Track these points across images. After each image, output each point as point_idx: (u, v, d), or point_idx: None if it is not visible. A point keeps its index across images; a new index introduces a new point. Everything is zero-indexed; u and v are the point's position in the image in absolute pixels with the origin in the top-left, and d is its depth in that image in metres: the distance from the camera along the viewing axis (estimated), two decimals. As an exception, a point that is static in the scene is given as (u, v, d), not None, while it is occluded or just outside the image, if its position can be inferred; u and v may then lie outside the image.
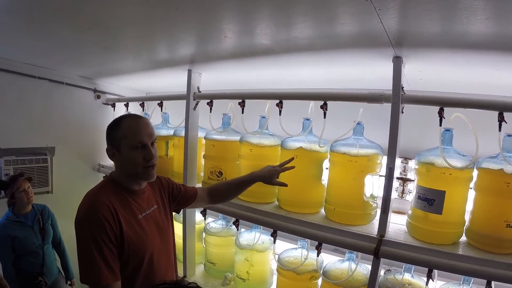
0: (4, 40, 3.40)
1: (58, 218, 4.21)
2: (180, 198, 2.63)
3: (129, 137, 2.09)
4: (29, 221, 3.82)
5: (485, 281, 2.22)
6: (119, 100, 5.15)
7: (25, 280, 3.68)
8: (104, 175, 5.06)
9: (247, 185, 2.77)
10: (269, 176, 2.69)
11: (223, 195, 2.83)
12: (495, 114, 2.16)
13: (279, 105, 2.95)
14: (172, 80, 4.21)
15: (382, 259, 2.47)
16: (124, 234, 2.03)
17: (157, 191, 2.46)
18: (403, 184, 3.16)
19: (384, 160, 2.58)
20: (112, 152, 2.15)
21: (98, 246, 1.93)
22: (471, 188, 2.36)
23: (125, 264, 2.05)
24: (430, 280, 2.38)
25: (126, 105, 4.95)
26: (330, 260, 3.08)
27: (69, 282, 4.24)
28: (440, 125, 2.33)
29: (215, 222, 3.86)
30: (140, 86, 5.38)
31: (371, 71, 2.82)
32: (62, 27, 2.76)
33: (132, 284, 2.10)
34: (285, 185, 2.72)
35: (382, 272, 2.72)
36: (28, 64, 4.35)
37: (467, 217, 2.40)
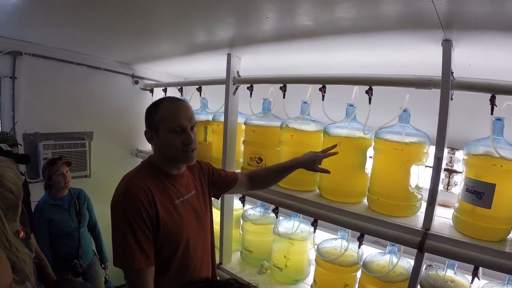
0: (42, 27, 3.43)
1: (95, 203, 4.26)
2: (221, 183, 2.58)
3: (168, 120, 2.04)
4: (65, 205, 3.87)
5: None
6: (157, 86, 5.18)
7: (61, 262, 3.72)
8: (142, 160, 5.07)
9: (289, 171, 2.72)
10: (312, 162, 2.62)
11: (264, 181, 2.79)
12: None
13: (322, 89, 2.86)
14: (210, 65, 4.17)
15: (425, 254, 2.37)
16: (160, 218, 2.00)
17: (196, 176, 2.41)
18: (449, 176, 3.05)
19: (430, 149, 2.49)
20: (150, 135, 2.11)
21: (133, 230, 1.91)
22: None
23: (160, 249, 2.03)
24: (476, 278, 2.27)
25: (165, 90, 4.93)
26: (369, 252, 2.99)
27: (103, 266, 4.30)
28: (492, 113, 2.20)
29: (253, 209, 3.82)
30: (178, 71, 5.37)
31: (417, 56, 2.68)
32: (100, 11, 2.75)
33: (166, 270, 2.09)
34: (327, 171, 2.64)
35: (423, 268, 2.61)
36: (66, 51, 4.44)
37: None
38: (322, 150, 2.71)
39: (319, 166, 2.66)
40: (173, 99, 2.18)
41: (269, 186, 2.89)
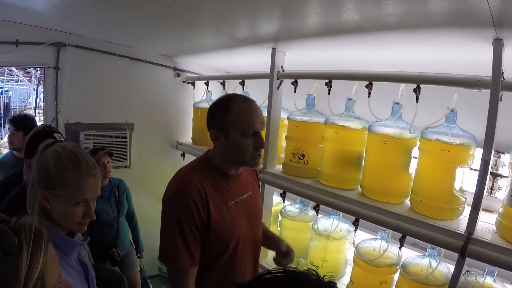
0: (86, 18, 3.48)
1: (134, 193, 4.32)
2: None
3: (242, 123, 1.98)
4: (105, 194, 3.94)
5: None
6: (199, 79, 5.21)
7: (99, 251, 3.78)
8: (182, 152, 5.21)
9: (267, 246, 2.60)
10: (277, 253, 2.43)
11: None
12: None
13: (369, 86, 2.83)
14: (252, 60, 4.19)
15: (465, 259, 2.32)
16: (212, 220, 1.97)
17: (251, 176, 2.39)
18: (493, 180, 2.97)
19: (477, 152, 2.43)
20: (217, 135, 2.03)
21: (182, 229, 1.91)
22: None
23: (207, 249, 2.02)
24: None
25: (207, 84, 4.95)
26: (408, 254, 2.94)
27: (138, 255, 4.38)
28: (542, 116, 2.14)
29: (292, 206, 3.78)
30: (220, 65, 5.37)
31: (466, 55, 2.62)
32: (146, 3, 2.79)
33: (212, 268, 2.07)
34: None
35: (462, 273, 2.56)
36: (110, 42, 4.53)
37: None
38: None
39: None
40: (245, 99, 2.10)
41: None
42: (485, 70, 2.22)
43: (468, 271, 2.65)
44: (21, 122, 3.82)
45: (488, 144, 2.24)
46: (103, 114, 4.66)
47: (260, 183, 2.60)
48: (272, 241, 2.51)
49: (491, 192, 2.97)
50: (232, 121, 1.97)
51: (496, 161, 2.93)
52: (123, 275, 3.47)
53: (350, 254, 3.29)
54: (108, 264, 3.84)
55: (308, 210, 3.57)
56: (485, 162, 2.24)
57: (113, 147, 4.53)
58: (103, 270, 3.42)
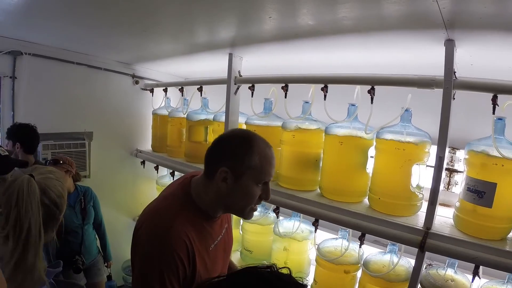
0: (43, 26, 3.43)
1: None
2: None
3: (260, 170, 1.76)
4: (70, 201, 3.87)
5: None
6: (157, 85, 5.20)
7: (63, 258, 3.68)
8: (142, 160, 5.18)
9: None
10: None
11: None
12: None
13: (324, 89, 2.88)
14: (211, 65, 4.18)
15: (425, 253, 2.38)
16: (196, 273, 1.76)
17: None
18: (450, 175, 3.06)
19: (432, 149, 2.50)
20: (225, 176, 1.76)
21: (163, 287, 1.65)
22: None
23: None
24: (476, 277, 2.28)
25: (165, 90, 4.95)
26: (370, 252, 3.00)
27: (106, 264, 4.34)
28: (494, 113, 2.21)
29: (253, 210, 3.77)
30: (179, 71, 5.37)
31: (419, 56, 2.70)
32: (101, 10, 2.76)
33: None
34: None
35: (423, 267, 2.62)
36: (67, 50, 4.44)
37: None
38: None
39: None
40: (266, 143, 1.84)
41: None
42: (439, 71, 2.30)
43: (430, 265, 2.73)
44: None
45: (442, 141, 2.32)
46: (62, 123, 4.56)
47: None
48: None
49: (448, 187, 3.05)
50: (251, 166, 1.74)
51: (452, 157, 3.02)
52: (82, 285, 3.44)
53: (312, 254, 3.33)
54: (72, 272, 3.80)
55: (269, 213, 3.59)
56: (439, 158, 2.32)
57: (72, 157, 4.36)
58: (63, 284, 3.39)
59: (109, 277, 4.45)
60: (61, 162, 3.80)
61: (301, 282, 1.31)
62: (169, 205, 1.85)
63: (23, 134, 3.75)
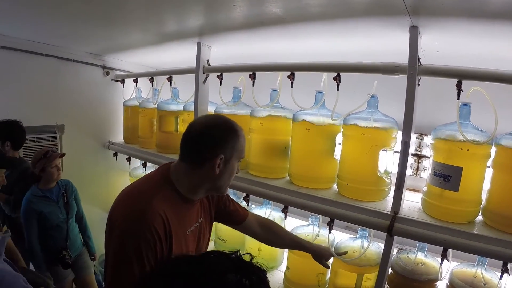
0: (9, 17, 3.36)
1: (68, 196, 4.20)
2: (223, 213, 2.34)
3: (241, 150, 1.92)
4: (54, 196, 3.84)
5: (501, 263, 2.16)
6: (127, 76, 5.14)
7: (50, 254, 3.74)
8: (114, 152, 5.16)
9: (298, 248, 2.66)
10: (320, 255, 2.55)
11: (277, 240, 2.66)
12: (515, 89, 2.07)
13: (291, 77, 2.89)
14: (181, 55, 4.13)
15: (395, 238, 2.42)
16: (172, 253, 1.76)
17: (206, 199, 2.19)
18: (418, 161, 3.10)
19: (399, 135, 2.52)
20: (219, 163, 1.83)
21: (142, 266, 1.62)
22: (488, 167, 2.30)
23: None
24: (445, 260, 2.33)
25: (135, 81, 4.91)
26: (342, 237, 3.03)
27: (92, 257, 4.29)
28: (458, 98, 2.26)
29: (226, 198, 3.79)
30: (149, 61, 5.32)
31: (386, 43, 2.72)
32: (68, 0, 2.70)
33: None
34: (328, 267, 2.67)
35: (395, 251, 2.67)
36: (36, 42, 4.34)
37: (484, 196, 2.33)
38: (336, 251, 2.65)
39: (326, 262, 2.58)
40: (240, 127, 1.96)
41: (274, 246, 2.84)
42: (406, 57, 2.33)
43: (401, 249, 2.77)
44: None
45: (407, 126, 2.36)
46: (32, 116, 4.44)
47: (231, 201, 2.42)
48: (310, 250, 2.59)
49: (416, 172, 3.09)
50: (237, 148, 1.88)
51: (420, 143, 3.07)
52: (48, 281, 3.40)
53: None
54: (60, 267, 3.77)
55: (241, 202, 3.55)
56: (405, 143, 2.37)
57: (43, 151, 4.38)
58: (27, 272, 3.36)
59: (94, 271, 4.40)
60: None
61: (260, 266, 1.35)
62: (146, 186, 1.87)
63: (11, 132, 3.80)
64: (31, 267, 3.74)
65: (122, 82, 5.22)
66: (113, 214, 1.77)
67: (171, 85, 4.14)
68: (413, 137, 2.54)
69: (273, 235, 2.61)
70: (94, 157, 5.19)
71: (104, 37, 3.96)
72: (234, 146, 1.86)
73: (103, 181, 5.31)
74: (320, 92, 2.87)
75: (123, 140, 5.16)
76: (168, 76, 4.09)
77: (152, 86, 4.64)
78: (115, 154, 5.17)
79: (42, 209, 3.67)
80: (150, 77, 4.71)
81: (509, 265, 2.14)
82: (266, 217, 3.19)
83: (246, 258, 1.43)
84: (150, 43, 3.93)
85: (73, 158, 4.79)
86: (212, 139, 1.84)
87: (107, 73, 5.15)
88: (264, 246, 3.23)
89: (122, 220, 1.70)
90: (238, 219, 2.45)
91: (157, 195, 1.77)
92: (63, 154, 3.95)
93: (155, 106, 4.27)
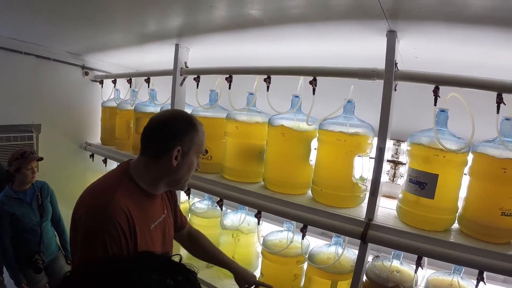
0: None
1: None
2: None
3: (201, 145, 1.95)
4: (27, 198, 3.78)
5: (477, 271, 2.14)
6: (106, 77, 5.11)
7: (22, 257, 3.68)
8: (91, 153, 5.10)
9: (222, 265, 2.61)
10: (242, 278, 2.51)
11: (202, 252, 2.63)
12: (493, 96, 2.07)
13: (267, 80, 2.87)
14: (160, 57, 4.12)
15: (370, 245, 2.40)
16: (138, 248, 1.76)
17: (165, 194, 2.20)
18: (395, 168, 3.09)
19: (375, 141, 2.49)
20: (176, 155, 1.86)
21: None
22: (465, 174, 2.28)
23: None
24: (420, 268, 2.31)
25: (114, 82, 4.90)
26: (317, 244, 3.01)
27: (68, 261, 4.20)
28: (435, 105, 2.24)
29: (201, 203, 3.81)
30: (129, 63, 5.29)
31: (365, 48, 2.71)
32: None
33: None
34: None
35: (370, 258, 2.65)
36: (14, 40, 4.28)
37: (460, 203, 2.32)
38: (260, 282, 2.58)
39: (245, 286, 2.53)
40: (200, 122, 2.01)
41: (199, 258, 2.71)
42: (384, 63, 2.31)
43: (377, 256, 2.75)
44: None
45: (382, 132, 2.34)
46: (8, 115, 4.41)
47: (178, 208, 2.44)
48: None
49: (393, 179, 3.08)
50: (196, 142, 1.91)
51: (397, 149, 3.06)
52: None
53: (260, 247, 3.30)
54: (32, 272, 3.71)
55: (216, 206, 3.53)
56: (380, 149, 2.35)
57: (18, 150, 4.32)
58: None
59: None
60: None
61: (189, 268, 1.33)
62: (107, 183, 1.87)
63: None
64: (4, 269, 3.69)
65: (101, 82, 5.18)
66: (76, 213, 1.75)
67: (148, 87, 4.12)
68: (390, 143, 2.54)
69: (199, 248, 2.61)
70: (71, 158, 5.14)
71: (84, 37, 3.92)
72: (192, 140, 1.89)
73: (80, 182, 5.11)
74: (297, 97, 2.85)
75: (100, 141, 5.12)
76: (146, 78, 4.08)
77: (130, 87, 4.61)
78: (92, 155, 5.12)
79: (14, 211, 3.60)
80: (128, 78, 4.69)
81: (485, 274, 2.12)
82: (241, 222, 3.19)
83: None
84: (130, 43, 3.90)
85: (49, 158, 4.69)
86: (170, 130, 1.88)
87: (86, 73, 5.11)
88: (238, 252, 3.25)
89: (85, 218, 1.68)
90: (180, 226, 2.49)
91: (119, 190, 1.77)
92: (41, 158, 3.89)
93: (133, 107, 4.24)
